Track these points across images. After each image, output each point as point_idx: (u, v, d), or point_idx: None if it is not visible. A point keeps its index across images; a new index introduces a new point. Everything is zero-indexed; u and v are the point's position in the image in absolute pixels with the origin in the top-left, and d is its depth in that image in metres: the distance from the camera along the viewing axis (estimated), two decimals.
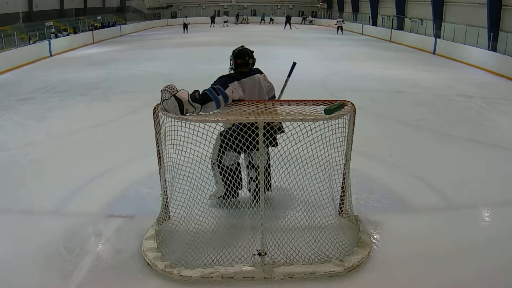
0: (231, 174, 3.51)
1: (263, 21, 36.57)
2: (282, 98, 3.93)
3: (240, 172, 3.75)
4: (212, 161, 3.67)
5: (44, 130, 6.59)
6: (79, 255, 3.24)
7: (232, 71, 3.62)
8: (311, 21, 35.96)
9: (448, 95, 9.18)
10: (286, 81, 3.96)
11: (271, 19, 36.15)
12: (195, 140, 3.08)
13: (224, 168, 3.58)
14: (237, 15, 37.75)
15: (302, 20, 35.41)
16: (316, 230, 3.41)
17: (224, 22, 32.97)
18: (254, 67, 3.71)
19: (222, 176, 3.63)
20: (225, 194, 3.66)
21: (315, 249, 3.24)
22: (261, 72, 3.72)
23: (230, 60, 3.64)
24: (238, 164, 3.73)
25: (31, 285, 2.94)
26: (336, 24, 26.67)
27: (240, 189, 3.75)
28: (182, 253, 3.18)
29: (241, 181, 3.66)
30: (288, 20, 30.21)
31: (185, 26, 26.81)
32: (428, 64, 14.17)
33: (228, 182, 3.48)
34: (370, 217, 3.78)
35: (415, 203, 4.13)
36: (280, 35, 24.79)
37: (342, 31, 25.98)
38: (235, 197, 3.55)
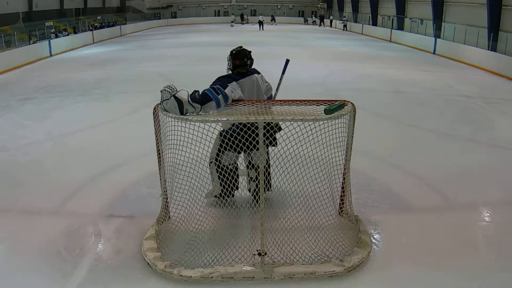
0: (230, 173, 3.51)
1: (306, 22, 36.90)
2: (278, 96, 3.94)
3: (237, 175, 3.73)
4: (210, 159, 3.67)
5: (44, 130, 6.59)
6: (79, 255, 3.24)
7: (230, 72, 3.62)
8: (314, 21, 36.02)
9: (448, 95, 9.18)
10: (280, 79, 3.97)
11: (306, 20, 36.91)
12: (195, 140, 3.08)
13: (223, 167, 3.59)
14: (242, 15, 37.59)
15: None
16: (316, 230, 3.40)
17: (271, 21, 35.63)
18: (252, 67, 3.71)
19: (219, 174, 3.64)
20: (222, 192, 3.66)
21: (315, 249, 3.24)
22: (258, 72, 3.72)
23: (228, 60, 3.64)
24: (236, 164, 3.73)
25: (31, 285, 2.94)
26: (342, 22, 30.27)
27: (236, 190, 3.75)
28: (182, 253, 3.18)
29: (236, 182, 3.66)
30: (322, 19, 34.31)
31: (261, 23, 29.89)
32: (428, 64, 14.16)
33: (225, 180, 3.48)
34: (370, 217, 3.78)
35: (415, 203, 4.13)
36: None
37: (346, 28, 29.34)
38: (231, 197, 3.56)
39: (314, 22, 36.19)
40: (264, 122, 2.92)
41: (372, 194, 4.27)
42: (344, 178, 3.55)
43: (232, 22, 34.44)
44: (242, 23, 36.09)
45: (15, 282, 2.97)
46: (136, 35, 26.40)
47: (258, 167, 3.04)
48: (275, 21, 35.50)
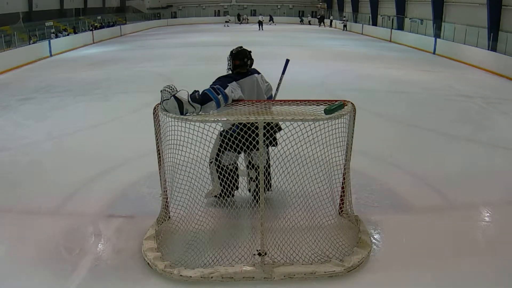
0: (230, 173, 3.51)
1: (302, 22, 37.09)
2: (278, 96, 3.94)
3: (237, 175, 3.73)
4: (210, 159, 3.67)
5: (44, 130, 6.59)
6: (79, 255, 3.24)
7: (230, 72, 3.62)
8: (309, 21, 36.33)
9: (448, 95, 9.18)
10: (280, 79, 3.97)
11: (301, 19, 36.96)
12: (195, 140, 3.08)
13: (223, 167, 3.59)
14: (238, 15, 37.58)
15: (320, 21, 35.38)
16: (316, 230, 3.40)
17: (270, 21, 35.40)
18: (252, 67, 3.70)
19: (219, 174, 3.64)
20: (222, 192, 3.66)
21: (315, 249, 3.24)
22: (258, 72, 3.72)
23: (228, 60, 3.63)
24: (236, 164, 3.73)
25: (31, 285, 2.94)
26: (342, 22, 30.40)
27: (236, 190, 3.75)
28: (182, 253, 3.18)
29: (236, 182, 3.66)
30: (321, 20, 34.14)
31: (260, 23, 29.78)
32: (428, 64, 14.16)
33: (225, 180, 3.49)
34: (370, 217, 3.78)
35: (415, 203, 4.13)
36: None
37: (346, 28, 29.50)
38: (231, 197, 3.55)
39: (309, 22, 36.37)
40: (264, 122, 2.92)
41: (372, 194, 4.27)
42: (344, 178, 3.55)
43: (226, 22, 34.19)
44: (241, 23, 36.03)
45: (15, 282, 2.97)
46: (136, 35, 26.40)
47: (258, 167, 3.04)
48: (273, 22, 35.46)
